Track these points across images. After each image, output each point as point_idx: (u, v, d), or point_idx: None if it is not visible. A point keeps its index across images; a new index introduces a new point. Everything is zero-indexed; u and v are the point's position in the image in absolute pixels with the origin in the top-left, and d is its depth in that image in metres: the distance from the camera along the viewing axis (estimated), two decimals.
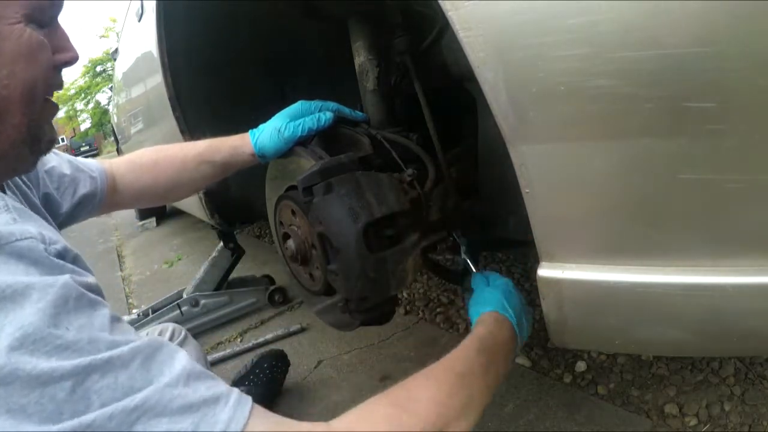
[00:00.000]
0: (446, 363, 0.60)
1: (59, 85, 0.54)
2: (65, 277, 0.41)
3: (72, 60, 0.54)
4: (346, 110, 0.86)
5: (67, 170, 0.77)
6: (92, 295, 0.43)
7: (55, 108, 0.56)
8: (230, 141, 0.86)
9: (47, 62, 0.50)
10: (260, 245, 2.76)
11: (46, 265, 0.42)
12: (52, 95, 0.54)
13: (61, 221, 0.77)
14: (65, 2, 0.53)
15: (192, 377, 0.43)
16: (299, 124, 0.80)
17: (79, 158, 0.83)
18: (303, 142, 0.82)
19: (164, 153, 0.88)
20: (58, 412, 0.36)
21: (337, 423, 0.49)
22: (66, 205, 0.77)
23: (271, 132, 0.82)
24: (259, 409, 0.45)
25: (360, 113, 0.89)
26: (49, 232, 0.46)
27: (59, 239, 0.47)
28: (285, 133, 0.80)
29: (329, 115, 0.82)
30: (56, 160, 0.77)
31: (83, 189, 0.78)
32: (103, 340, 0.40)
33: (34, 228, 0.44)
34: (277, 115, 0.84)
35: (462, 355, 0.62)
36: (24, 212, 0.49)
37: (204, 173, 0.87)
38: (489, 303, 0.73)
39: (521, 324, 0.72)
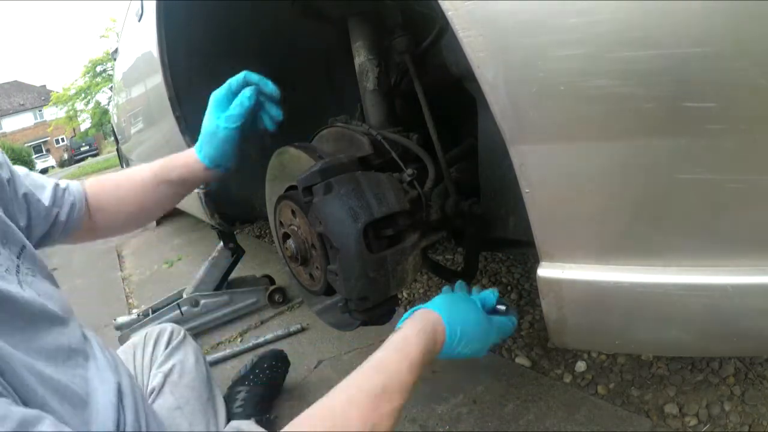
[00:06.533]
0: (366, 376, 0.57)
1: None
2: None
3: None
4: (265, 82, 0.79)
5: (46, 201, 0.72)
6: None
7: None
8: (182, 157, 0.82)
9: None
10: (260, 245, 2.76)
11: None
12: None
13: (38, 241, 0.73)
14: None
15: None
16: (229, 117, 0.76)
17: (60, 183, 0.78)
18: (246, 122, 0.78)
19: (125, 176, 0.84)
20: None
21: None
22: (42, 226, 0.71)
23: (209, 139, 0.77)
24: None
25: (272, 86, 0.81)
26: None
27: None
28: (220, 134, 0.76)
29: (249, 92, 0.76)
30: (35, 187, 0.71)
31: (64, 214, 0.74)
32: None
33: None
34: (208, 111, 0.78)
35: (377, 370, 0.58)
36: None
37: (165, 193, 0.82)
38: (430, 304, 0.69)
39: (454, 331, 0.66)
